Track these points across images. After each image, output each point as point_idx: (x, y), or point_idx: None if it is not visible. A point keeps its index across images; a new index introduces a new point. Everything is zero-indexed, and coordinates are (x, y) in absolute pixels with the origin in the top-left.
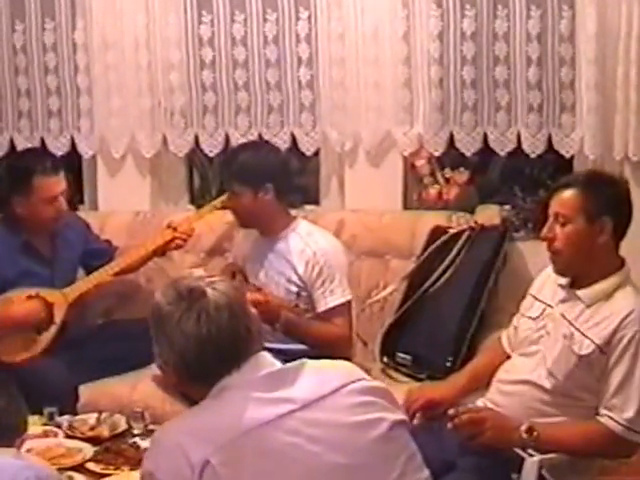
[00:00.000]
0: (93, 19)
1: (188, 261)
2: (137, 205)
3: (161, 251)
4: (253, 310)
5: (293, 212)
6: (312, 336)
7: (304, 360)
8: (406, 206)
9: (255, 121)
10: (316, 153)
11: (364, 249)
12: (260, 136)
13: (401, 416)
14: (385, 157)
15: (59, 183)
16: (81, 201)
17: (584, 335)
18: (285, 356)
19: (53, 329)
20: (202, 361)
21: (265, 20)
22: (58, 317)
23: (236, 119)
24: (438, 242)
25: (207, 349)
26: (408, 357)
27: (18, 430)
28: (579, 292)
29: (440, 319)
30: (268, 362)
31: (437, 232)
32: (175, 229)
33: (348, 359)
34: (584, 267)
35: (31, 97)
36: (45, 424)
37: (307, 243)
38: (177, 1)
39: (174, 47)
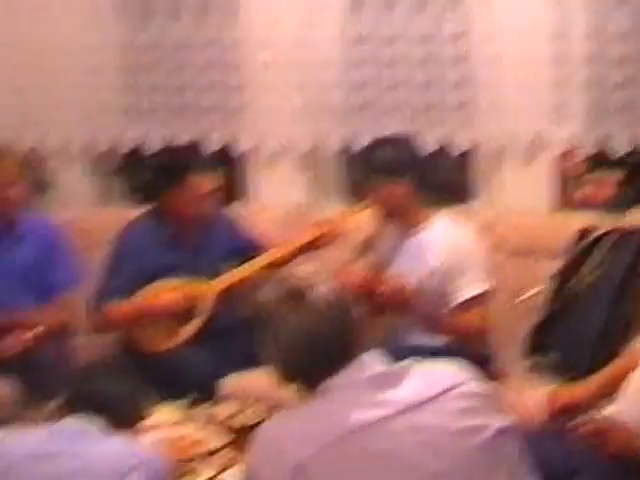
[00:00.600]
0: (252, 16)
1: (336, 258)
2: (291, 200)
3: (310, 247)
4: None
5: (442, 210)
6: (448, 328)
7: (411, 361)
8: (558, 207)
9: (407, 119)
10: (468, 152)
11: (512, 249)
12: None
13: (507, 423)
14: (537, 157)
15: (213, 181)
16: (235, 196)
17: None
18: (419, 353)
19: (197, 320)
20: (306, 362)
21: (416, 19)
22: (203, 308)
23: (389, 117)
24: (584, 243)
25: (312, 349)
26: (552, 358)
27: (134, 418)
28: None
29: (584, 321)
30: (373, 363)
31: (585, 233)
32: (325, 226)
33: (485, 352)
34: None
35: (188, 93)
36: (182, 412)
37: (443, 236)
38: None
39: (328, 45)
